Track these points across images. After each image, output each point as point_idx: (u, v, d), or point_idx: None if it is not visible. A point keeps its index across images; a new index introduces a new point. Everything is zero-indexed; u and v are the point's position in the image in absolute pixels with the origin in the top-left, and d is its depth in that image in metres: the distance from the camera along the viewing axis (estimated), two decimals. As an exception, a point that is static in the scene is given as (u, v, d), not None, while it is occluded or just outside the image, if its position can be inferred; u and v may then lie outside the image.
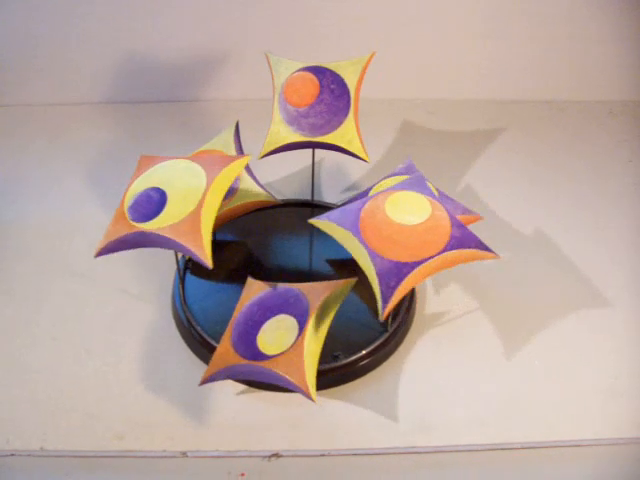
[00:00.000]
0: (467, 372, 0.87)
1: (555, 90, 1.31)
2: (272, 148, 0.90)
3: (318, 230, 1.00)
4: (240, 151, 0.93)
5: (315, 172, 1.00)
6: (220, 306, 0.90)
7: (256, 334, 0.77)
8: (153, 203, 0.77)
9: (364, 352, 0.85)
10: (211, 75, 1.27)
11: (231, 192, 0.92)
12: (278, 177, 1.13)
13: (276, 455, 0.79)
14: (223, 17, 1.20)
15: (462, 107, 1.30)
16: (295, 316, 0.78)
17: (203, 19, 1.20)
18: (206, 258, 0.74)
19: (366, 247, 0.76)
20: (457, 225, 0.78)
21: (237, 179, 0.94)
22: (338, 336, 0.85)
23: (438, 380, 0.86)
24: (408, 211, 0.77)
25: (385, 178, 0.92)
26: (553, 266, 1.01)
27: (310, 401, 0.72)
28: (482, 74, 1.30)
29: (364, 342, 0.86)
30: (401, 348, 0.89)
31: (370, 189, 0.93)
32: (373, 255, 0.75)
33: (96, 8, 1.17)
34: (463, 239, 0.77)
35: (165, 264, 0.96)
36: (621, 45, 1.25)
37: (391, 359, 0.88)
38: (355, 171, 1.15)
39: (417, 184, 0.82)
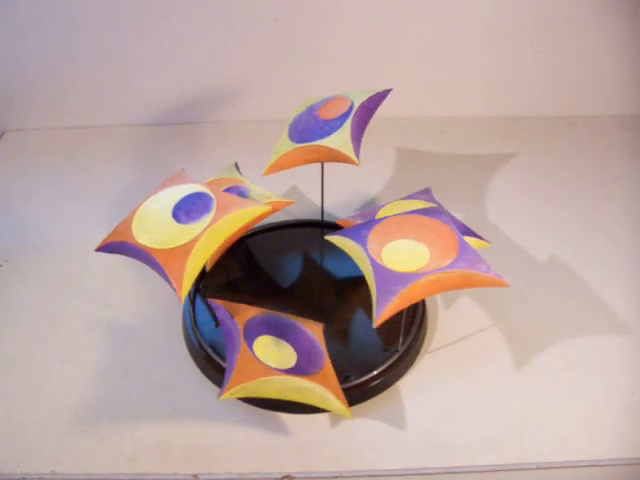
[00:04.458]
0: (480, 391, 0.86)
1: (566, 105, 1.31)
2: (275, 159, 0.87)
3: (329, 251, 1.00)
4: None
5: (324, 193, 0.99)
6: (231, 327, 0.89)
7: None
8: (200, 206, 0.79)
9: (375, 372, 0.84)
10: (219, 97, 1.28)
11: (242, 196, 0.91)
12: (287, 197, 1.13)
13: (288, 477, 0.78)
14: (233, 41, 1.21)
15: (473, 124, 1.30)
16: None
17: (213, 43, 1.21)
18: (180, 291, 0.73)
19: (369, 258, 0.76)
20: (465, 248, 0.77)
21: (245, 189, 0.93)
22: (349, 357, 0.85)
23: (451, 400, 0.86)
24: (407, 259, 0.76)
25: (400, 200, 0.92)
26: (566, 286, 1.00)
27: (328, 420, 0.71)
28: (492, 90, 1.30)
29: (375, 362, 0.85)
30: (413, 368, 0.89)
31: (380, 208, 0.92)
32: (374, 264, 0.75)
33: (106, 33, 1.19)
34: (471, 260, 0.75)
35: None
36: (633, 59, 1.25)
37: (403, 379, 0.87)
38: (365, 191, 1.15)
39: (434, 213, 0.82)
